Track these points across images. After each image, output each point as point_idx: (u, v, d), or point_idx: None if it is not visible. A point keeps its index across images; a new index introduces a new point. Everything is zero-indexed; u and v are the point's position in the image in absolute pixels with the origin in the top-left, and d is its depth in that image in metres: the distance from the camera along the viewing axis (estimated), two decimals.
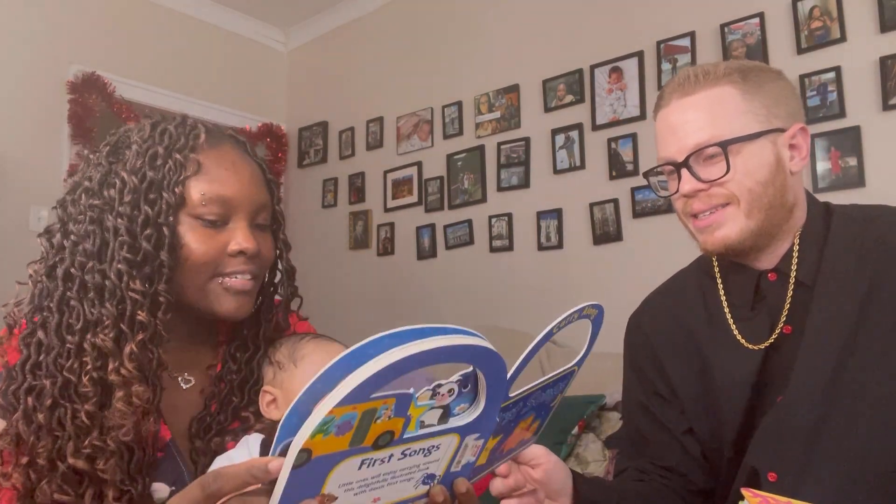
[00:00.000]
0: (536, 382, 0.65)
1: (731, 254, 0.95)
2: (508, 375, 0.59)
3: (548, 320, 0.61)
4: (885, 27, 2.10)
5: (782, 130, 0.92)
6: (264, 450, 0.77)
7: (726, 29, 2.41)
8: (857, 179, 2.12)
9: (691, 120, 0.92)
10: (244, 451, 0.77)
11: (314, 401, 0.49)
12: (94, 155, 0.85)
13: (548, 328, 0.62)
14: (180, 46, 3.64)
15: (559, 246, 2.79)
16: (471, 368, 0.55)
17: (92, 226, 0.79)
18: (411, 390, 0.52)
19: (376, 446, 0.53)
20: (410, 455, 0.56)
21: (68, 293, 0.78)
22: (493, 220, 3.02)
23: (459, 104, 3.22)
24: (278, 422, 0.66)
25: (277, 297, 0.97)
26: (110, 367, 0.75)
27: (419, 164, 3.36)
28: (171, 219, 0.79)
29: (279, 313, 0.95)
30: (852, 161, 2.13)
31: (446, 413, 0.56)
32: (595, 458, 1.98)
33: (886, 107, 2.08)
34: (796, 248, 0.94)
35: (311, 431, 0.48)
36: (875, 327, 0.87)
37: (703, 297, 1.03)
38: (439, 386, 0.54)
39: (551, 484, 0.83)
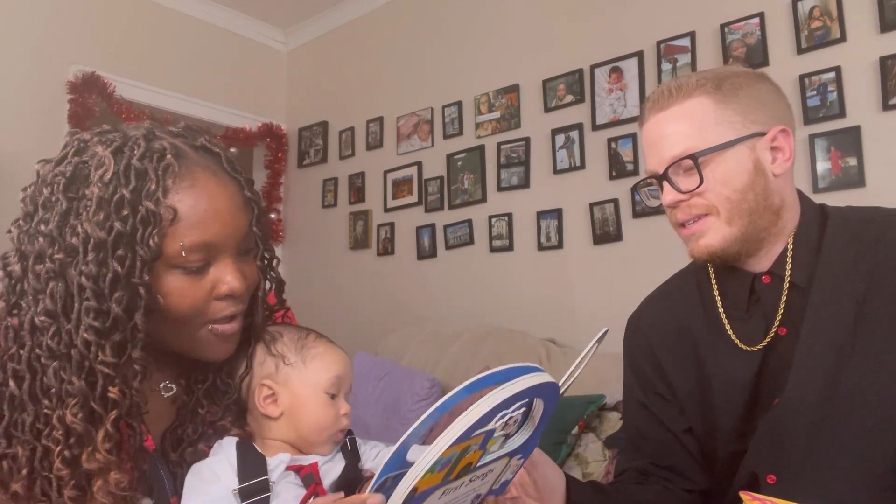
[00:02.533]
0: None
1: (718, 261, 0.96)
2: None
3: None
4: (885, 27, 2.09)
5: (762, 134, 0.92)
6: (240, 450, 0.76)
7: (726, 29, 2.41)
8: (857, 179, 2.11)
9: (667, 134, 0.94)
10: (221, 458, 0.76)
11: (416, 440, 0.54)
12: (46, 187, 0.72)
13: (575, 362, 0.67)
14: (180, 46, 3.64)
15: (559, 246, 2.79)
16: (525, 398, 0.59)
17: (53, 280, 0.69)
18: (493, 426, 0.55)
19: (457, 476, 0.57)
20: (474, 480, 0.60)
21: (37, 350, 0.69)
22: (493, 220, 3.02)
23: (459, 104, 3.22)
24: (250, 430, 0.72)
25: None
26: (84, 453, 0.68)
27: (419, 164, 3.36)
28: (146, 277, 0.69)
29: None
30: (852, 161, 2.13)
31: (505, 438, 0.60)
32: (595, 458, 1.98)
33: (886, 107, 2.08)
34: (790, 250, 0.94)
35: (427, 470, 0.51)
36: (872, 329, 0.87)
37: (700, 298, 1.04)
38: (509, 417, 0.57)
39: (545, 485, 0.84)
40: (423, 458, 0.52)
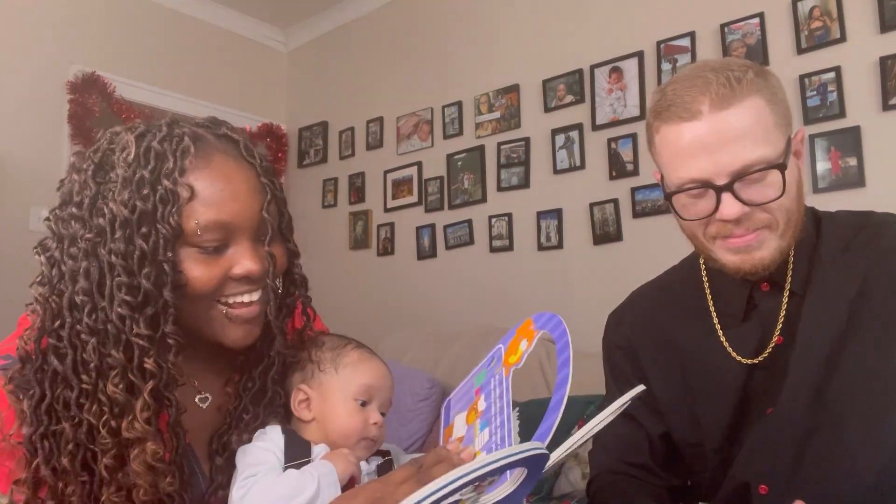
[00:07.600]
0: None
1: (761, 274, 0.88)
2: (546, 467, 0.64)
3: None
4: (885, 27, 2.10)
5: (790, 137, 0.86)
6: (286, 434, 0.79)
7: (726, 29, 2.41)
8: (857, 179, 2.11)
9: (736, 138, 0.80)
10: (267, 441, 0.78)
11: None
12: (78, 174, 0.76)
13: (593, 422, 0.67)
14: (180, 46, 3.64)
15: (559, 246, 2.79)
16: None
17: (86, 259, 0.72)
18: (457, 497, 0.55)
19: None
20: None
21: (77, 326, 0.72)
22: (493, 220, 3.02)
23: (459, 104, 3.22)
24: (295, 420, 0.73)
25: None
26: (124, 421, 0.71)
27: (419, 164, 3.36)
28: (169, 254, 0.72)
29: (297, 323, 0.91)
30: (852, 161, 2.13)
31: (477, 497, 0.61)
32: None
33: (886, 107, 2.08)
34: (791, 257, 0.91)
35: None
36: (864, 335, 0.85)
37: (690, 301, 1.00)
38: (482, 480, 0.57)
39: None
40: None
